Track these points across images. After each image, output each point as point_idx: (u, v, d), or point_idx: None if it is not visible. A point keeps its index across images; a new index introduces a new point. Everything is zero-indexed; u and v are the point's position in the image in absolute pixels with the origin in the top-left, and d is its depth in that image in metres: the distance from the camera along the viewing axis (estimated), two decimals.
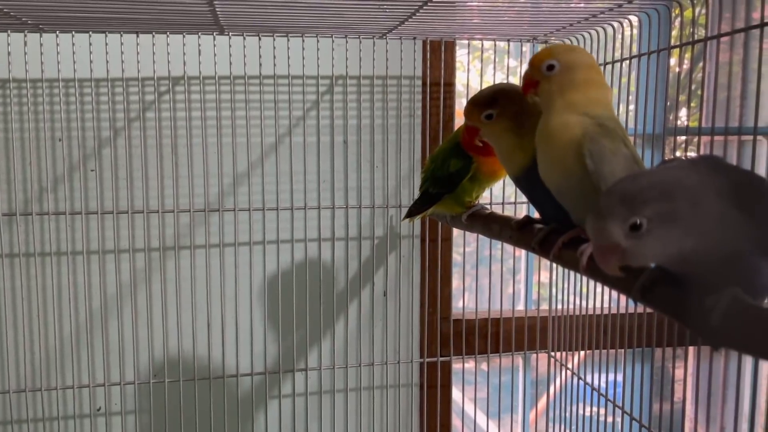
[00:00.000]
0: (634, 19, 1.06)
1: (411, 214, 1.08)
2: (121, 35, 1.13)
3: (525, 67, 1.33)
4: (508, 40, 1.23)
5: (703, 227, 0.53)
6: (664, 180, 0.54)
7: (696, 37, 0.93)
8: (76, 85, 1.17)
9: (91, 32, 1.12)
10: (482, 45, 1.25)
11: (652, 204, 0.53)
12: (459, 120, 1.32)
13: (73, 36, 1.12)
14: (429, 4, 0.94)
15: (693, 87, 1.16)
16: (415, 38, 1.23)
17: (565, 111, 0.71)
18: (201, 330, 1.25)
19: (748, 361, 0.94)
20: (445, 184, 1.00)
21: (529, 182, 0.77)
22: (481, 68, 1.27)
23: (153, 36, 1.14)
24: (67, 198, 1.19)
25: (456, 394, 1.43)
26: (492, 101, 0.81)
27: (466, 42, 1.27)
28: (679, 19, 0.98)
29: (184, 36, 1.15)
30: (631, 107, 1.17)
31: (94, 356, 1.24)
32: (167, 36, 1.14)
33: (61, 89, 1.17)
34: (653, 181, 0.54)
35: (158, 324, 1.24)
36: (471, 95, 1.01)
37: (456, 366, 1.37)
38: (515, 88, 0.83)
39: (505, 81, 1.27)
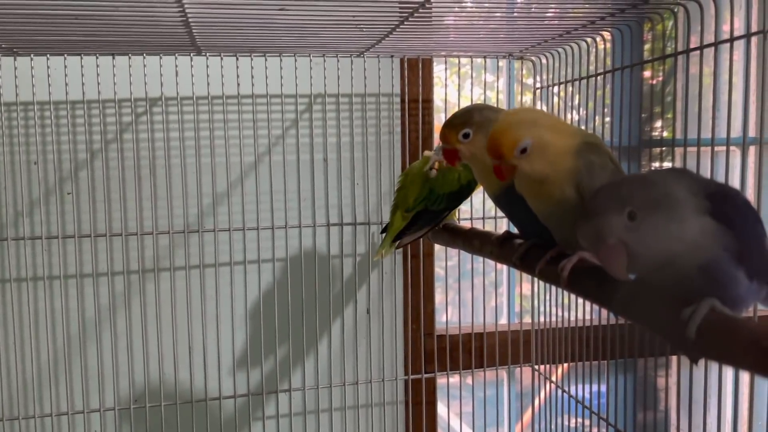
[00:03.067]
0: (607, 34, 1.08)
1: (401, 237, 1.07)
2: (97, 57, 1.12)
3: (502, 81, 1.35)
4: (485, 57, 1.25)
5: (683, 222, 0.55)
6: (641, 177, 0.58)
7: (669, 50, 0.95)
8: (51, 108, 1.16)
9: (66, 55, 1.11)
10: (459, 61, 1.26)
11: (638, 194, 0.55)
12: (438, 135, 1.33)
13: (47, 59, 1.11)
14: (405, 23, 0.95)
15: (668, 99, 1.18)
16: (392, 56, 1.24)
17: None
18: (182, 353, 1.23)
19: (729, 368, 0.95)
20: (455, 198, 0.99)
21: (508, 201, 0.78)
22: (459, 83, 1.28)
23: (129, 57, 1.13)
24: (44, 222, 1.18)
25: (441, 409, 1.42)
26: (467, 120, 0.81)
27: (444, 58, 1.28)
28: (651, 32, 1.00)
29: (161, 57, 1.14)
30: (607, 120, 1.19)
31: (73, 383, 1.21)
32: (144, 57, 1.14)
33: (36, 112, 1.16)
34: (632, 179, 0.58)
35: (138, 348, 1.23)
36: (450, 110, 1.01)
37: (441, 381, 1.37)
38: (488, 106, 0.84)
39: (482, 95, 1.28)
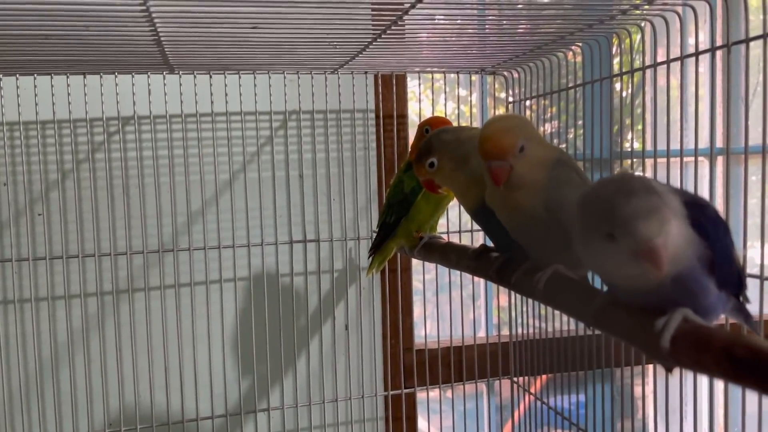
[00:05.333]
0: (577, 48, 1.09)
1: (375, 249, 1.08)
2: (68, 77, 1.11)
3: (476, 96, 1.36)
4: (458, 72, 1.26)
5: (681, 231, 0.55)
6: (664, 186, 0.56)
7: (637, 64, 0.97)
8: (21, 128, 1.14)
9: (36, 75, 1.10)
10: (432, 76, 1.28)
11: (669, 200, 0.54)
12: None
13: (17, 79, 1.10)
14: (378, 39, 0.96)
15: (638, 111, 1.20)
16: (366, 72, 1.24)
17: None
18: (158, 374, 1.21)
19: (703, 376, 0.97)
20: (402, 206, 1.01)
21: (485, 215, 0.79)
22: (433, 98, 1.29)
23: (101, 77, 1.12)
24: (14, 244, 1.15)
25: (422, 424, 1.42)
26: (428, 150, 0.83)
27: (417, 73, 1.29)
28: (620, 47, 1.02)
29: (133, 76, 1.14)
30: (580, 132, 1.21)
31: (45, 408, 1.19)
32: (115, 76, 1.13)
33: (5, 133, 1.14)
34: (659, 187, 0.56)
35: (113, 370, 1.20)
36: None
37: (420, 396, 1.36)
38: (446, 129, 0.85)
39: (456, 110, 1.29)
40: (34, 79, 1.10)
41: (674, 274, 0.55)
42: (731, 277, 0.60)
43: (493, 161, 0.70)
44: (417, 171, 0.86)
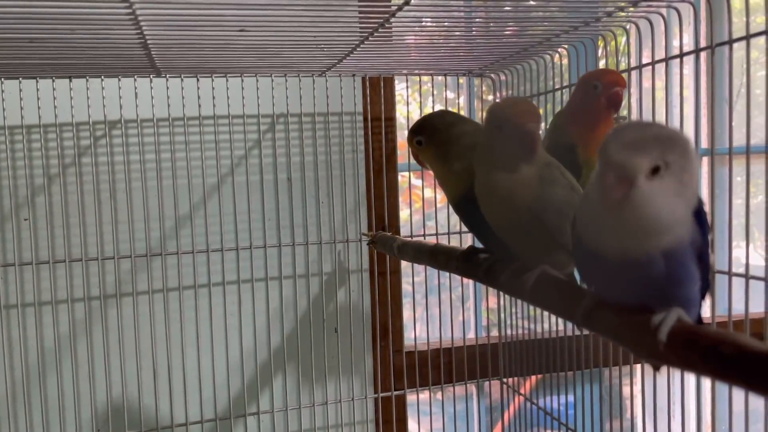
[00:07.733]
0: (563, 50, 1.10)
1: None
2: (53, 80, 1.10)
3: (463, 98, 1.36)
4: (445, 74, 1.27)
5: (689, 195, 0.55)
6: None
7: (623, 66, 0.98)
8: (6, 133, 1.13)
9: (21, 78, 1.09)
10: (420, 79, 1.28)
11: (675, 151, 0.53)
12: (401, 153, 1.34)
13: (2, 83, 1.09)
14: (366, 42, 0.96)
15: (624, 113, 1.21)
16: (354, 75, 1.25)
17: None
18: (146, 378, 1.20)
19: (691, 375, 0.98)
20: None
21: (467, 208, 0.79)
22: (421, 101, 1.29)
23: (87, 80, 1.12)
24: None
25: (412, 426, 1.42)
26: (419, 129, 0.83)
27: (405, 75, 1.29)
28: (605, 48, 1.03)
29: (119, 79, 1.13)
30: None
31: (32, 414, 1.17)
32: (102, 80, 1.12)
33: None
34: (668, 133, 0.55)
35: (101, 376, 1.19)
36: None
37: (411, 398, 1.36)
38: (445, 119, 0.84)
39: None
40: (20, 82, 1.09)
41: (667, 248, 0.55)
42: (708, 274, 0.61)
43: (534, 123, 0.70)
44: (408, 139, 0.85)
